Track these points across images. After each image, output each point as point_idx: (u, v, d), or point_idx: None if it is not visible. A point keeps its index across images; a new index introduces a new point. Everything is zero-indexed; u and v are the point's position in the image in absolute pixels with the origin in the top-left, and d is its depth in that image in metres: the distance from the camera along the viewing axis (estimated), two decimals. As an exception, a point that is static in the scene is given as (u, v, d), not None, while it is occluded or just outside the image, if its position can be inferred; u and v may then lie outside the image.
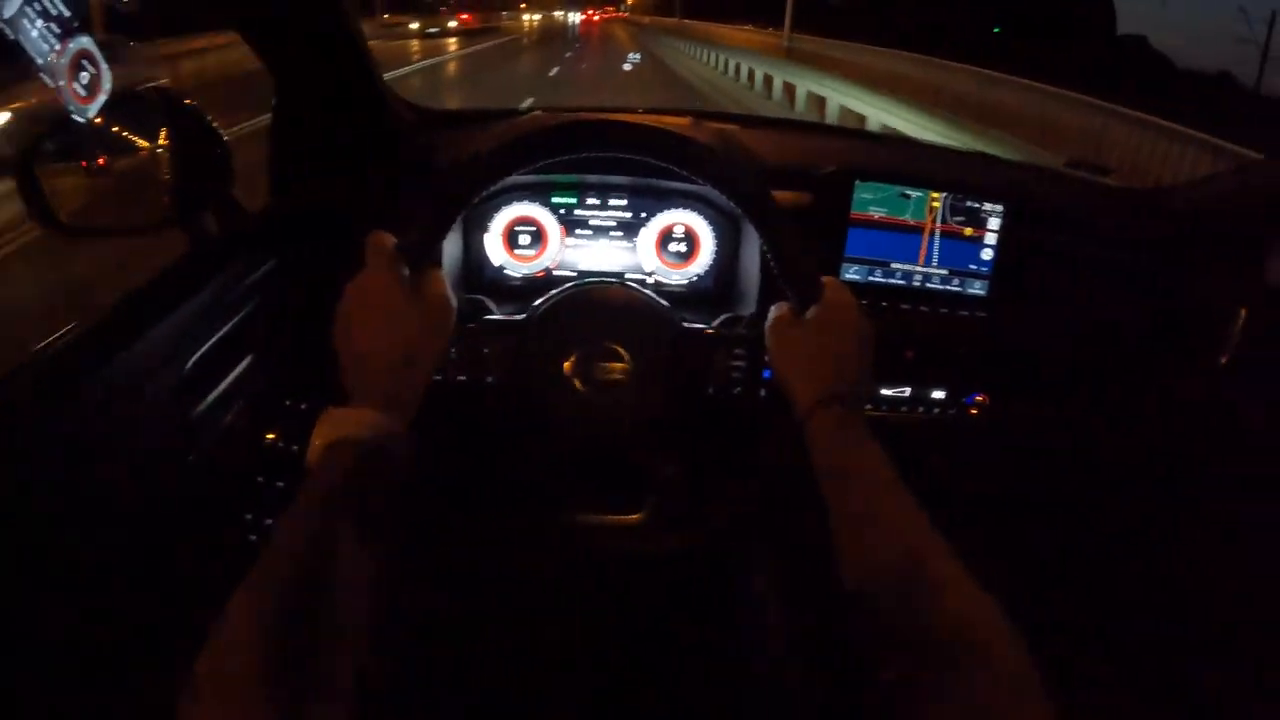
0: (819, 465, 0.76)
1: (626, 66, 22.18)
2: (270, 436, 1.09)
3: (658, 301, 1.12)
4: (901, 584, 0.63)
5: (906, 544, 0.66)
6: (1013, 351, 1.40)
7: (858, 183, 1.28)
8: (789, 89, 14.85)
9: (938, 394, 1.37)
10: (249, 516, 1.06)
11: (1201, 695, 1.44)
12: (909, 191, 1.29)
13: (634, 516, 1.10)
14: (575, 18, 63.01)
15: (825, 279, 0.87)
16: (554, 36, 39.75)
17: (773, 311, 0.91)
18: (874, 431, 0.77)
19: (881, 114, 10.90)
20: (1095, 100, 10.16)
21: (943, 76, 13.64)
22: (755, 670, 1.30)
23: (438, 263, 1.14)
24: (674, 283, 1.37)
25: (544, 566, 1.35)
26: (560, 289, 1.11)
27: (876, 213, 1.29)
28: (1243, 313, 1.35)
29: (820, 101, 13.09)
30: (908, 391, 1.36)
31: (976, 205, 1.31)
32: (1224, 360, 1.36)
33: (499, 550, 1.30)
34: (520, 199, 1.32)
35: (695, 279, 1.37)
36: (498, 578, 1.39)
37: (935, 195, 1.29)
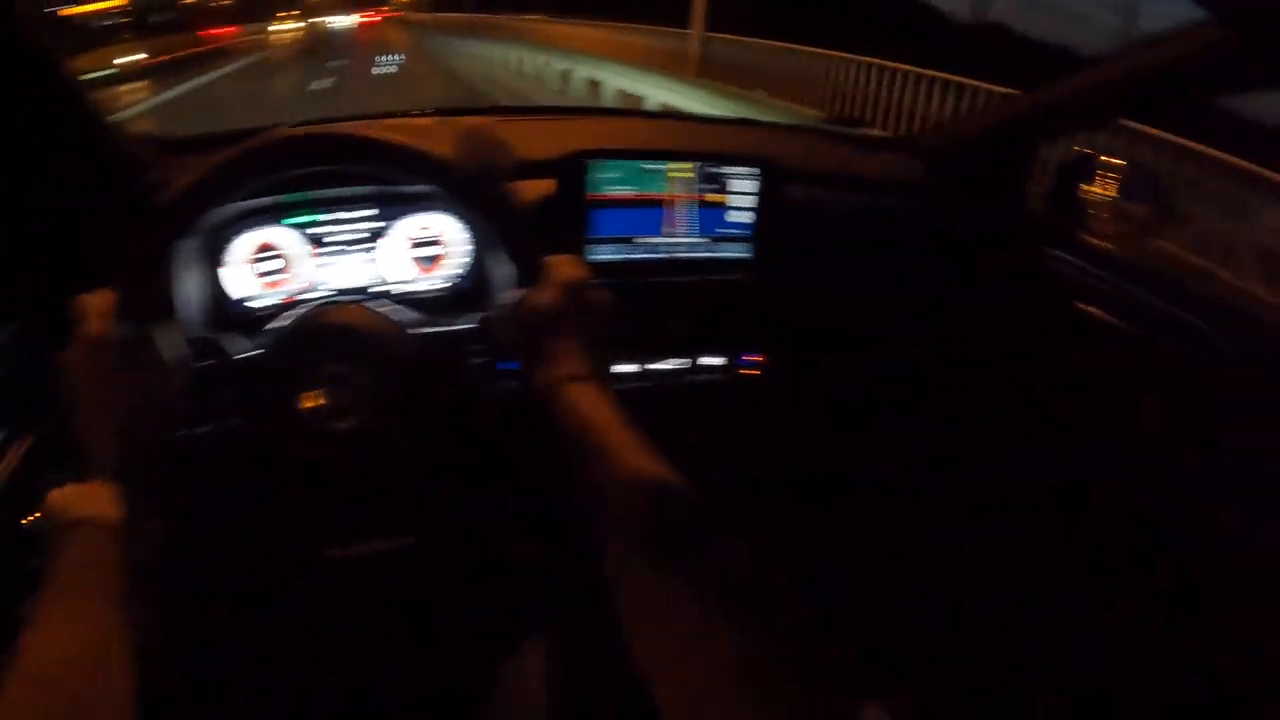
0: (564, 442, 0.75)
1: (377, 71, 19.62)
2: (30, 519, 0.98)
3: (380, 315, 1.10)
4: (637, 512, 0.63)
5: (642, 491, 0.65)
6: (785, 309, 1.42)
7: (591, 163, 1.24)
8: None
9: (713, 360, 1.38)
10: (16, 609, 0.93)
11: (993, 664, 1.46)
12: (647, 166, 1.26)
13: (404, 538, 1.06)
14: (346, 21, 53.45)
15: (551, 258, 0.87)
16: (313, 51, 28.86)
17: (505, 299, 0.90)
18: (624, 402, 0.76)
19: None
20: (849, 56, 10.45)
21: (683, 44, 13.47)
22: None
23: (166, 309, 1.10)
24: (430, 288, 1.31)
25: (322, 603, 1.33)
26: (289, 319, 1.07)
27: (617, 191, 1.26)
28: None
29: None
30: (680, 362, 1.36)
31: (727, 170, 1.29)
32: (991, 291, 1.43)
33: (273, 596, 1.29)
34: (257, 224, 1.22)
35: (454, 282, 1.32)
36: (276, 624, 1.36)
37: (676, 167, 1.27)
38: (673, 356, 1.36)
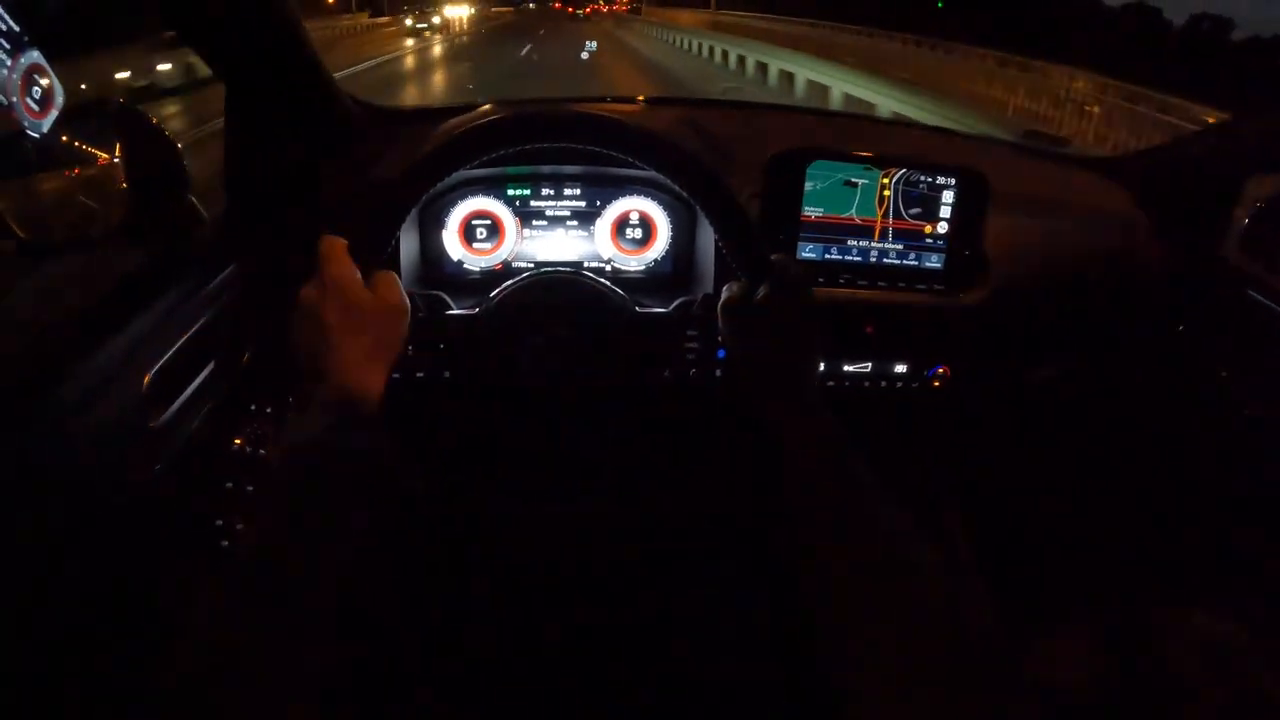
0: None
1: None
2: (237, 442, 1.09)
3: (610, 288, 1.12)
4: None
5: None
6: (972, 324, 1.41)
7: (810, 162, 1.28)
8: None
9: (900, 368, 1.39)
10: (219, 522, 1.05)
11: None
12: (856, 179, 1.29)
13: (597, 504, 1.10)
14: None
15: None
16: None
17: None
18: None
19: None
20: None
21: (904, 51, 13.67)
22: (728, 650, 1.31)
23: (391, 262, 1.15)
24: (632, 269, 1.38)
25: (512, 557, 1.34)
26: (512, 281, 1.11)
27: (821, 206, 1.30)
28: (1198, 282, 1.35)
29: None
30: (869, 366, 1.37)
31: (930, 180, 1.31)
32: (1181, 328, 1.38)
33: (464, 543, 1.30)
34: (475, 193, 1.32)
35: (653, 264, 1.38)
36: (466, 570, 1.38)
37: (885, 179, 1.29)
38: (862, 360, 1.37)
